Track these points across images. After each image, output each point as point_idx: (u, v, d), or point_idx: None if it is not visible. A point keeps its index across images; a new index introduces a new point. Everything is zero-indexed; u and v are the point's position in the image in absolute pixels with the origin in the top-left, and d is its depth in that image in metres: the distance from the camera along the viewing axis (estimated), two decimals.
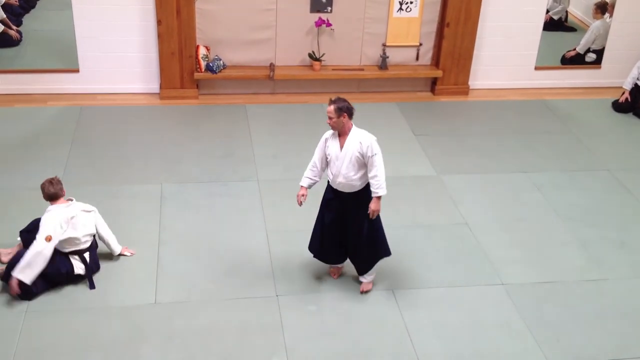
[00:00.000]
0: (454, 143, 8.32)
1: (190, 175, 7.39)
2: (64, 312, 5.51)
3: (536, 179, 7.68)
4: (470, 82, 9.60)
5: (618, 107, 9.37)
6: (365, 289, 5.87)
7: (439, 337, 5.48)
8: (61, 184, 5.71)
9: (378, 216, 5.60)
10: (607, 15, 9.71)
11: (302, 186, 5.66)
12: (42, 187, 5.67)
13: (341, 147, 5.43)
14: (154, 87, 9.06)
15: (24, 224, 6.40)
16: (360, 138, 5.36)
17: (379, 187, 5.39)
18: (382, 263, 6.12)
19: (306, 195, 5.66)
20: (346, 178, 5.43)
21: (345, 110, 5.31)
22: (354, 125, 5.44)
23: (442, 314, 5.72)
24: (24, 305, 5.54)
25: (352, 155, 5.36)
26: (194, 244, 6.37)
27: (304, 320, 5.57)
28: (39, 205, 6.67)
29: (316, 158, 5.60)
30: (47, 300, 5.61)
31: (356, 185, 5.47)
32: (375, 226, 5.64)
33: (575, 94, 9.86)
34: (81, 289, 5.75)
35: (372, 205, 5.47)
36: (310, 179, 5.64)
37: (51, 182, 5.66)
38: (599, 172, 7.89)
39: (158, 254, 6.21)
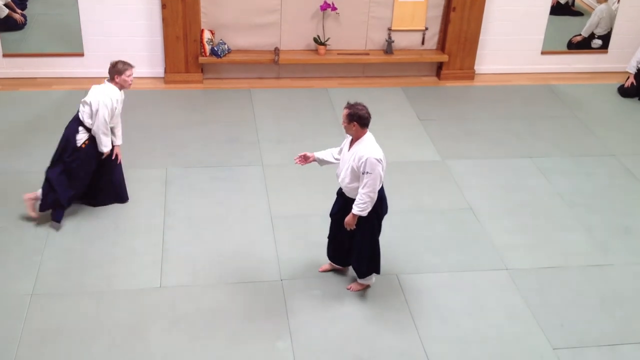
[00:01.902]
0: (459, 128, 8.31)
1: (195, 159, 7.39)
2: (70, 296, 5.54)
3: (541, 164, 7.66)
4: (476, 67, 9.57)
5: (624, 92, 9.33)
6: (351, 288, 5.75)
7: (443, 321, 5.50)
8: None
9: (371, 234, 5.46)
10: None
11: (313, 153, 5.56)
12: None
13: (348, 151, 5.31)
14: (159, 71, 9.05)
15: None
16: (363, 151, 5.11)
17: (356, 204, 5.19)
18: (386, 248, 6.14)
19: (305, 158, 5.51)
20: (343, 182, 5.34)
21: (355, 119, 5.10)
22: (369, 134, 5.23)
23: (446, 298, 5.73)
24: (30, 288, 5.57)
25: (350, 163, 5.21)
26: (199, 228, 6.38)
27: (309, 305, 5.59)
28: None
29: (338, 148, 5.51)
30: (52, 284, 5.64)
31: (352, 193, 5.31)
32: (366, 240, 5.46)
33: (582, 78, 9.82)
34: (87, 272, 5.78)
35: (347, 218, 5.34)
36: (324, 154, 5.54)
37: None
38: (604, 157, 7.88)
39: (163, 238, 6.23)
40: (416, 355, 5.19)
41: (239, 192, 6.92)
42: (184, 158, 7.40)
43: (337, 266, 5.92)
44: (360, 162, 5.11)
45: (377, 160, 5.09)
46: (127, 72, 6.06)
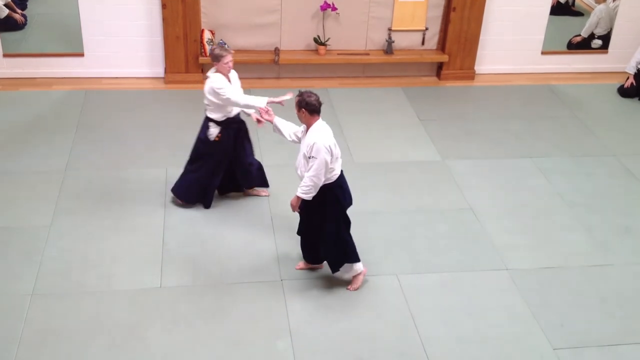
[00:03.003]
0: (460, 128, 8.30)
1: None
2: (70, 296, 5.54)
3: (541, 164, 7.66)
4: (476, 67, 9.57)
5: (624, 92, 9.33)
6: (351, 288, 5.73)
7: (443, 321, 5.50)
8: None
9: (335, 224, 5.46)
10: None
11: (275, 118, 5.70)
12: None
13: (304, 140, 5.38)
14: (159, 71, 9.05)
15: (29, 208, 6.46)
16: (312, 138, 5.21)
17: (300, 186, 5.28)
18: (386, 248, 6.14)
19: (268, 114, 5.75)
20: (301, 172, 5.38)
21: (303, 106, 5.21)
22: (321, 122, 5.31)
23: (446, 298, 5.73)
24: (30, 288, 5.57)
25: (302, 151, 5.30)
26: (199, 228, 6.38)
27: (309, 305, 5.59)
28: (45, 189, 6.71)
29: (297, 128, 5.55)
30: (52, 284, 5.64)
31: None
32: (327, 231, 5.46)
33: (582, 79, 9.82)
34: (87, 272, 5.78)
35: (291, 199, 5.42)
36: (283, 124, 5.63)
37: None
38: (604, 157, 7.87)
39: (163, 238, 6.23)
40: (416, 355, 5.19)
41: (239, 191, 6.92)
42: (184, 158, 7.37)
43: (310, 265, 5.91)
44: (308, 147, 5.21)
45: (325, 146, 5.18)
46: (224, 60, 6.10)
